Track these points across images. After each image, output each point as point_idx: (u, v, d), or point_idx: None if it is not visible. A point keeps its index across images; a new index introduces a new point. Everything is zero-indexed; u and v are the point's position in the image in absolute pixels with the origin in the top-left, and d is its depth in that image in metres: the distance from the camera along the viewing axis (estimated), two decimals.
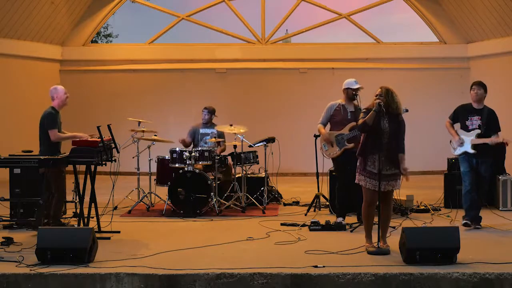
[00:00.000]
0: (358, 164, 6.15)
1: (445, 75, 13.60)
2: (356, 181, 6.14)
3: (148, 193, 8.83)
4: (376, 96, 6.03)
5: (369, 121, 5.93)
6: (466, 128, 7.29)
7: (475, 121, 7.24)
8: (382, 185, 5.94)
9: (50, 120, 7.03)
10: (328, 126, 7.69)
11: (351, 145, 7.32)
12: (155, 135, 8.90)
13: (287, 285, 5.13)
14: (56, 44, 13.69)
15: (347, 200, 7.48)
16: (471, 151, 7.17)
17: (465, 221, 7.18)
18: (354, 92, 7.48)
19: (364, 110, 6.18)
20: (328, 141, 7.53)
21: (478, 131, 7.18)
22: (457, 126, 7.45)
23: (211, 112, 9.32)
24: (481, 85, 7.34)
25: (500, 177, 8.50)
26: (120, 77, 13.99)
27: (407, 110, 6.86)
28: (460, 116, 7.39)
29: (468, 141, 7.21)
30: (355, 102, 7.48)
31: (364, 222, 6.17)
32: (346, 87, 7.56)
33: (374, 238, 6.02)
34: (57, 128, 7.04)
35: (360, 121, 6.04)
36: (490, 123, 7.21)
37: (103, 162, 6.78)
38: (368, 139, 6.03)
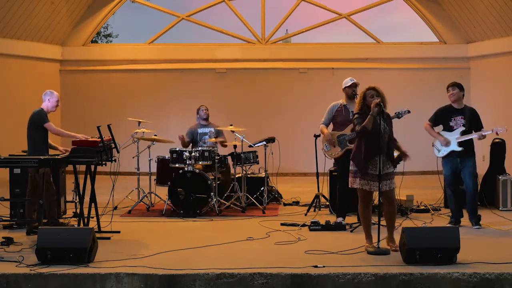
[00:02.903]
0: (353, 168, 6.09)
1: (445, 75, 13.51)
2: (357, 185, 6.05)
3: (148, 193, 8.83)
4: (373, 97, 6.00)
5: (368, 126, 5.88)
6: (450, 129, 7.31)
7: (459, 120, 7.29)
8: (383, 185, 5.94)
9: (42, 116, 7.03)
10: (331, 126, 7.70)
11: (353, 145, 7.31)
12: (155, 135, 8.90)
13: (287, 285, 5.13)
14: (56, 44, 13.69)
15: (348, 200, 7.47)
16: (458, 148, 7.21)
17: (449, 222, 7.35)
18: (352, 91, 7.50)
19: (356, 114, 6.13)
20: (330, 141, 7.53)
21: (463, 128, 7.22)
22: (438, 129, 7.47)
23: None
24: (455, 85, 7.38)
25: (500, 177, 8.50)
26: (120, 77, 14.00)
27: (409, 111, 6.82)
28: (443, 118, 7.41)
29: (453, 139, 7.23)
30: (356, 100, 7.48)
31: (362, 223, 6.17)
32: (344, 87, 7.60)
33: (374, 238, 6.01)
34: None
35: (358, 127, 5.98)
36: (473, 121, 7.27)
37: (103, 162, 6.78)
38: (369, 142, 5.98)
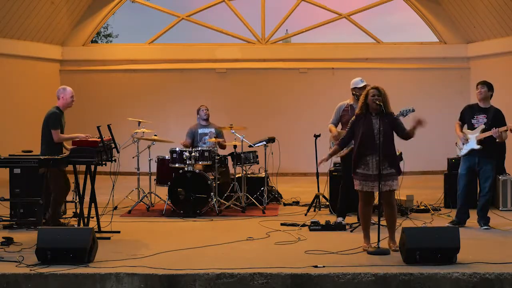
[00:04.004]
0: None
1: (445, 75, 13.59)
2: (356, 187, 6.10)
3: (148, 193, 8.83)
4: (374, 97, 6.01)
5: (332, 155, 6.49)
6: (472, 127, 7.28)
7: (481, 119, 7.24)
8: (379, 185, 5.94)
9: (54, 120, 7.04)
10: (339, 126, 7.71)
11: None
12: (155, 135, 8.90)
13: (287, 285, 5.13)
14: (56, 44, 13.69)
15: (348, 200, 7.47)
16: (477, 146, 7.15)
17: (450, 221, 7.35)
18: (356, 92, 7.49)
19: (353, 118, 6.19)
20: (336, 139, 7.54)
21: (483, 126, 7.17)
22: (465, 127, 7.44)
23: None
24: (485, 83, 7.34)
25: (500, 177, 8.49)
26: (120, 77, 13.99)
27: (413, 110, 6.81)
28: (467, 115, 7.38)
29: (473, 138, 7.19)
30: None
31: (361, 223, 6.18)
32: (352, 87, 7.57)
33: (373, 238, 6.01)
34: (60, 129, 7.06)
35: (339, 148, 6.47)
36: (496, 121, 7.16)
37: (103, 162, 6.78)
38: (360, 142, 6.01)
